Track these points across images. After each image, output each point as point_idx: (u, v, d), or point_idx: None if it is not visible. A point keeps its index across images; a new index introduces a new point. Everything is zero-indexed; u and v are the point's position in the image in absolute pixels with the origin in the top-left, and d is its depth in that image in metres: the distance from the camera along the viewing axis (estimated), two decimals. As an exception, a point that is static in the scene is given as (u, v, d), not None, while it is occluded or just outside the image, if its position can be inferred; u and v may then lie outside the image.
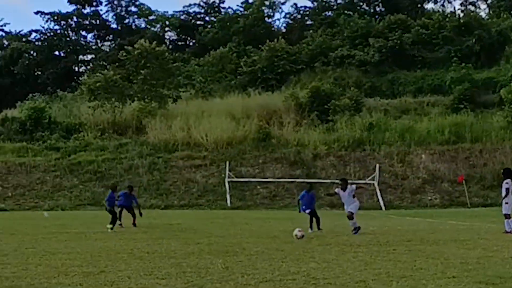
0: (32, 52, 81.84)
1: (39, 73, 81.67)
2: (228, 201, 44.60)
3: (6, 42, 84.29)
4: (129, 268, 11.74)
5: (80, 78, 68.04)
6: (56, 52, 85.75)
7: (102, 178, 46.93)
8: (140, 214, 24.52)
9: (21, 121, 54.87)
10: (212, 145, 50.14)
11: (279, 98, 58.24)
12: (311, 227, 21.35)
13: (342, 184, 20.74)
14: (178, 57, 69.60)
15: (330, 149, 49.13)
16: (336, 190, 21.05)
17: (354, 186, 20.91)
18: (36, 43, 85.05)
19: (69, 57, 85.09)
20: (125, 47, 61.98)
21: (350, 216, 19.98)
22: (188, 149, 50.40)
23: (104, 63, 76.49)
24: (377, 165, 46.46)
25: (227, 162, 47.08)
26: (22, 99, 64.32)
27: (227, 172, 46.43)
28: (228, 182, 46.10)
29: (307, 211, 21.64)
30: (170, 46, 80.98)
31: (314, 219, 21.53)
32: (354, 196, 20.35)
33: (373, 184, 45.36)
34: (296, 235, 17.82)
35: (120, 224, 23.82)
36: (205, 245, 16.08)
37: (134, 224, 24.08)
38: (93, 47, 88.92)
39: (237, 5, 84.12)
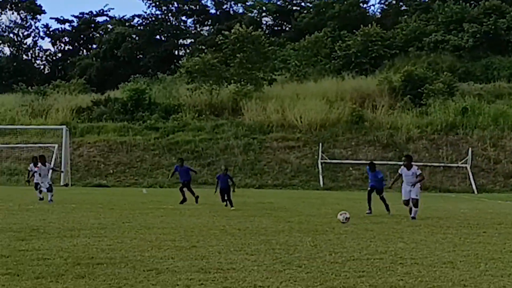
0: (134, 36, 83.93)
1: (141, 56, 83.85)
2: (321, 182, 44.91)
3: (110, 27, 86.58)
4: (220, 243, 11.90)
5: (179, 61, 69.52)
6: (157, 36, 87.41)
7: (199, 157, 48.21)
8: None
9: (123, 102, 56.78)
10: (306, 127, 50.51)
11: (372, 82, 57.94)
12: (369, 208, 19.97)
13: (406, 160, 18.90)
14: (274, 42, 69.91)
15: (422, 133, 48.90)
16: (400, 170, 18.86)
17: (418, 169, 18.60)
18: (138, 27, 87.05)
19: (169, 41, 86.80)
20: (223, 31, 62.86)
21: (416, 204, 18.11)
22: (283, 130, 50.96)
23: (202, 47, 77.57)
24: (470, 149, 45.96)
25: (320, 144, 47.31)
26: (124, 81, 66.65)
27: (320, 153, 46.72)
28: (321, 163, 46.42)
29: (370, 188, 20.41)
30: (267, 31, 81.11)
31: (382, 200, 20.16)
32: (417, 177, 18.29)
33: (466, 167, 44.87)
34: (340, 220, 16.56)
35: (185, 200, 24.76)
36: (295, 224, 16.22)
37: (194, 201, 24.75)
38: (192, 31, 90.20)
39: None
